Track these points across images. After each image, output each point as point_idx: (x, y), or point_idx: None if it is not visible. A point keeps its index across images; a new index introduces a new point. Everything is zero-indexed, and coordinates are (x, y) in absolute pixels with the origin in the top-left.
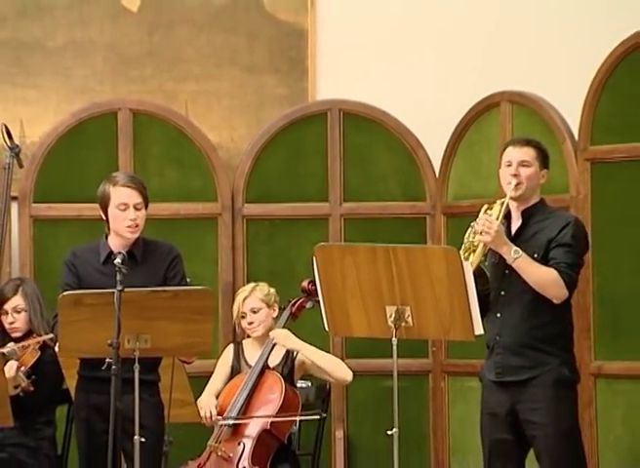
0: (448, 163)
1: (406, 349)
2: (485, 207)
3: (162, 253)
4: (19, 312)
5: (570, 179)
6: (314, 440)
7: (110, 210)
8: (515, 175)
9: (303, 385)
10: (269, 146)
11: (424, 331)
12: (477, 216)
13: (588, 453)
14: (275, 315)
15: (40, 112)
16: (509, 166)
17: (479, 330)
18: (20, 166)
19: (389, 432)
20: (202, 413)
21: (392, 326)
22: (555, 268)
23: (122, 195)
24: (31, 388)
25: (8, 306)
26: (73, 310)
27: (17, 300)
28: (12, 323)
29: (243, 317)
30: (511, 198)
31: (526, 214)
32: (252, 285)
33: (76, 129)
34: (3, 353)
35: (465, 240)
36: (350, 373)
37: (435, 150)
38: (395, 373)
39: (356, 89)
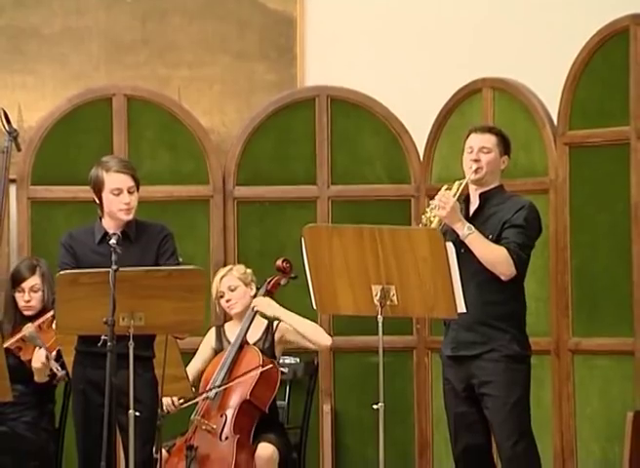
0: (432, 147)
1: (391, 326)
2: (445, 187)
3: (154, 232)
4: (35, 291)
5: (549, 163)
6: (302, 414)
7: (104, 194)
8: (475, 161)
9: (292, 361)
10: (259, 131)
11: (409, 309)
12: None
13: (566, 426)
14: (252, 293)
15: (37, 98)
16: (471, 152)
17: (462, 308)
18: (18, 149)
19: (375, 406)
20: (164, 404)
21: (378, 304)
22: (506, 247)
23: (116, 181)
24: (67, 378)
25: (25, 285)
26: (70, 289)
27: (34, 280)
28: (28, 301)
29: (221, 296)
30: (471, 182)
31: (483, 198)
32: (229, 266)
33: (72, 114)
34: (23, 337)
35: (423, 217)
36: (329, 338)
37: (419, 135)
38: (381, 350)
39: (343, 75)
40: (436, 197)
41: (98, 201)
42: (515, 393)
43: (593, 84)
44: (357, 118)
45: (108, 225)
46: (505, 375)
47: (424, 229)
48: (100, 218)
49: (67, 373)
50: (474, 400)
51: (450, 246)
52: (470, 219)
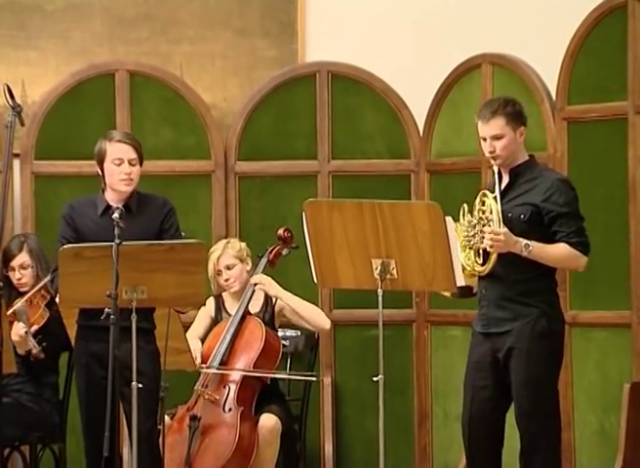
0: (431, 122)
1: (391, 300)
2: (479, 196)
3: (157, 205)
4: (25, 268)
5: (547, 138)
6: (303, 386)
7: (106, 165)
8: (491, 152)
9: (293, 334)
10: (261, 106)
11: (408, 282)
12: (473, 205)
13: (563, 397)
14: (249, 268)
15: (40, 73)
16: (485, 140)
17: (460, 281)
18: (22, 124)
19: (375, 378)
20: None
21: (378, 278)
22: (566, 242)
23: (117, 150)
24: (42, 355)
25: (15, 263)
26: (73, 262)
27: (22, 257)
28: (19, 279)
29: (219, 274)
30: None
31: (514, 173)
32: (223, 242)
33: (75, 89)
34: (14, 311)
35: (469, 240)
36: (328, 321)
37: (419, 110)
38: (381, 323)
39: (344, 51)
40: (486, 236)
41: (100, 172)
42: (537, 369)
43: (591, 59)
44: (357, 93)
45: (110, 197)
46: (530, 351)
47: (424, 203)
48: (103, 191)
49: (44, 350)
50: (497, 375)
51: (449, 219)
52: (502, 196)
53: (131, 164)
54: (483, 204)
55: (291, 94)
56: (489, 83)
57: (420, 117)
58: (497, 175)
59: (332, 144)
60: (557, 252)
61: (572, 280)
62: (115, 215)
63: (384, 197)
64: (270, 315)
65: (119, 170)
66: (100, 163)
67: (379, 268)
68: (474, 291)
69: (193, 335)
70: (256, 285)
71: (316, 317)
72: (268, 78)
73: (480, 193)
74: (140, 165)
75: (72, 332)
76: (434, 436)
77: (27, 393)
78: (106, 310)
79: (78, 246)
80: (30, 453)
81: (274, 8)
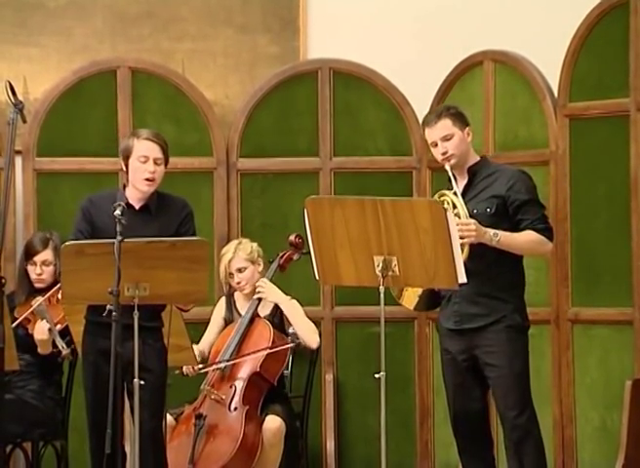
0: None
1: (393, 297)
2: (436, 196)
3: (176, 207)
4: (47, 265)
5: (549, 135)
6: (305, 383)
7: (131, 161)
8: (444, 153)
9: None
10: (262, 103)
11: (410, 279)
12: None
13: (565, 394)
14: (261, 269)
15: (42, 70)
16: (435, 146)
17: (462, 278)
18: (24, 121)
19: (377, 375)
20: (184, 367)
21: (380, 275)
22: (531, 229)
23: (145, 148)
24: (71, 357)
25: (37, 259)
26: (75, 259)
27: (47, 254)
28: (39, 274)
29: (231, 277)
30: (452, 169)
31: (471, 173)
32: (235, 243)
33: (77, 86)
34: (33, 311)
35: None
36: (317, 341)
37: (421, 107)
38: (382, 320)
39: (346, 48)
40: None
41: (124, 168)
42: (518, 363)
43: (593, 56)
44: (359, 90)
45: (130, 195)
46: (509, 346)
47: (426, 200)
48: (124, 187)
49: (73, 351)
50: (474, 370)
51: (451, 216)
52: (463, 195)
53: (156, 163)
54: (443, 203)
55: (292, 91)
56: (491, 80)
57: (422, 114)
58: (450, 173)
59: (333, 141)
60: (524, 238)
61: (574, 277)
62: (117, 212)
63: (386, 194)
64: (280, 318)
65: (144, 167)
66: (126, 159)
67: (380, 265)
68: (442, 294)
69: (203, 344)
70: (257, 291)
71: (306, 333)
72: (270, 75)
73: (437, 194)
74: (165, 166)
75: (76, 329)
76: (436, 433)
77: (31, 390)
78: (108, 307)
79: (80, 242)
80: (32, 450)
81: (276, 5)
